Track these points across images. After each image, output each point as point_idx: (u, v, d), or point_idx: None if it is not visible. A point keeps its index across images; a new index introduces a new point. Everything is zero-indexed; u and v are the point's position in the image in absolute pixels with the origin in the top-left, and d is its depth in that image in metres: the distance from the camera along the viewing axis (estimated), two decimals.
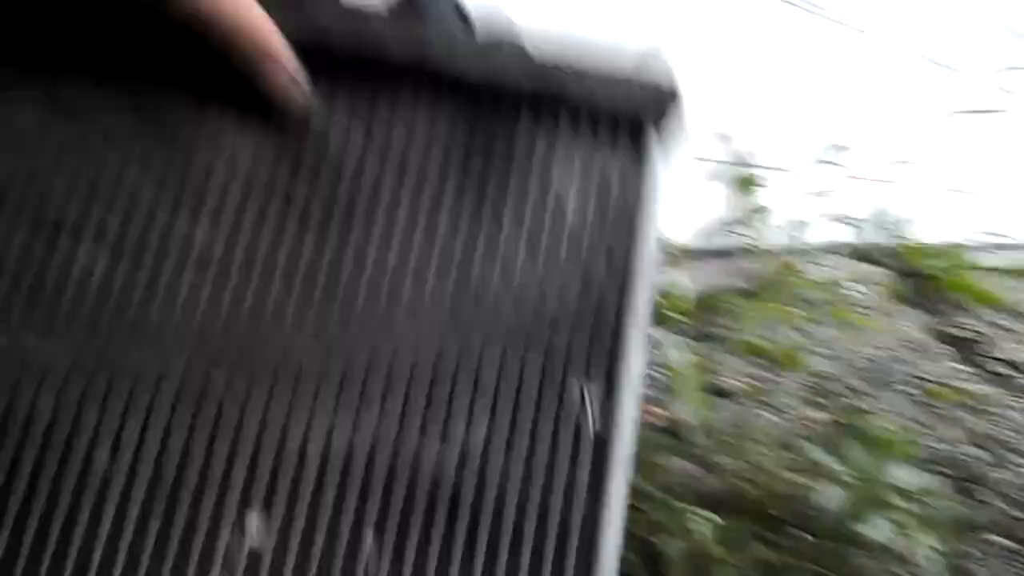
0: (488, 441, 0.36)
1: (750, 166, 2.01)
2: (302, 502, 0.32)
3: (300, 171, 0.34)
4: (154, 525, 0.30)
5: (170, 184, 0.33)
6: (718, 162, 1.97)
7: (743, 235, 2.04)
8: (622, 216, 0.37)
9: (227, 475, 0.31)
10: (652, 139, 0.38)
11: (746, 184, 2.01)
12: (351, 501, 0.32)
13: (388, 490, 0.33)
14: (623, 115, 0.36)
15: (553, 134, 0.36)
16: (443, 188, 0.35)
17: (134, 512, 0.30)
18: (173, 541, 0.30)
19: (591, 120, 0.36)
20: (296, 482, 0.32)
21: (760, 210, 2.03)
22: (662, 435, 1.14)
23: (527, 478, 0.37)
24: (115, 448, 0.30)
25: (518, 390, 0.36)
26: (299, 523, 0.31)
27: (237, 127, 0.34)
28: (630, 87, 0.36)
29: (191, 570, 0.30)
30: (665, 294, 1.52)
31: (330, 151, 0.35)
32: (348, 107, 0.35)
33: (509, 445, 0.36)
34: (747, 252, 2.04)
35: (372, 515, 0.32)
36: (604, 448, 0.40)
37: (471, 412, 0.35)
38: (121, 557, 0.29)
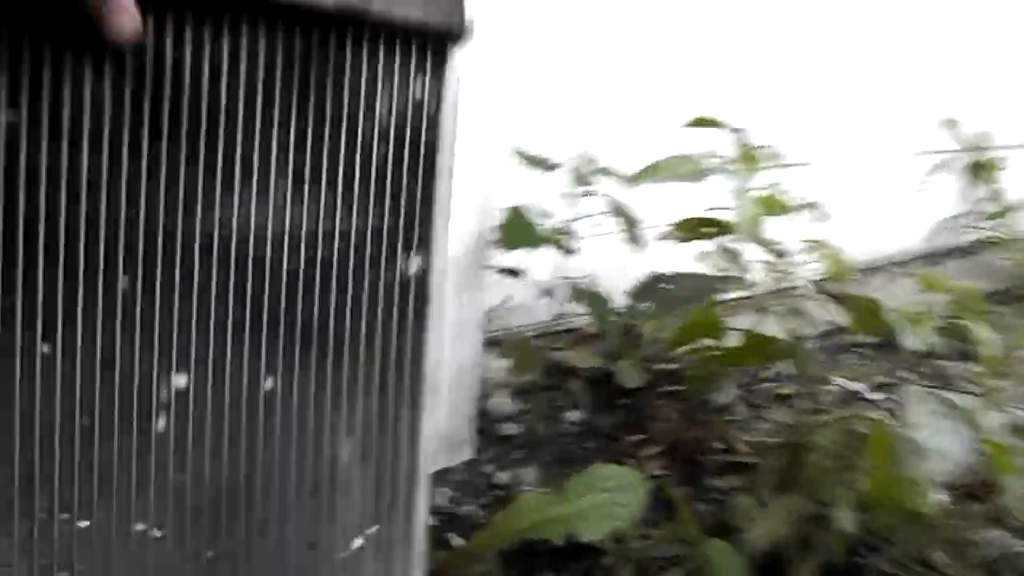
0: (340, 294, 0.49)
1: (986, 149, 1.78)
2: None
3: (143, 94, 0.41)
4: None
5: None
6: (945, 152, 1.79)
7: (984, 228, 1.80)
8: (425, 116, 0.49)
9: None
10: (448, 49, 0.50)
11: (984, 169, 1.78)
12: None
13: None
14: (421, 30, 0.48)
15: (364, 51, 0.49)
16: (273, 105, 0.48)
17: None
18: None
19: (392, 38, 0.49)
20: None
21: (1003, 197, 1.78)
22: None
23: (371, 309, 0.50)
24: None
25: (357, 250, 0.49)
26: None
27: (76, 58, 0.39)
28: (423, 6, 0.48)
29: None
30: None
31: (171, 75, 0.41)
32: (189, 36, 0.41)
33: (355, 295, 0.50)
34: (992, 246, 1.79)
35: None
36: (421, 289, 0.52)
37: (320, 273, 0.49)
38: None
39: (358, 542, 0.54)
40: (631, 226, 1.08)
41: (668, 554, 0.84)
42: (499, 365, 1.19)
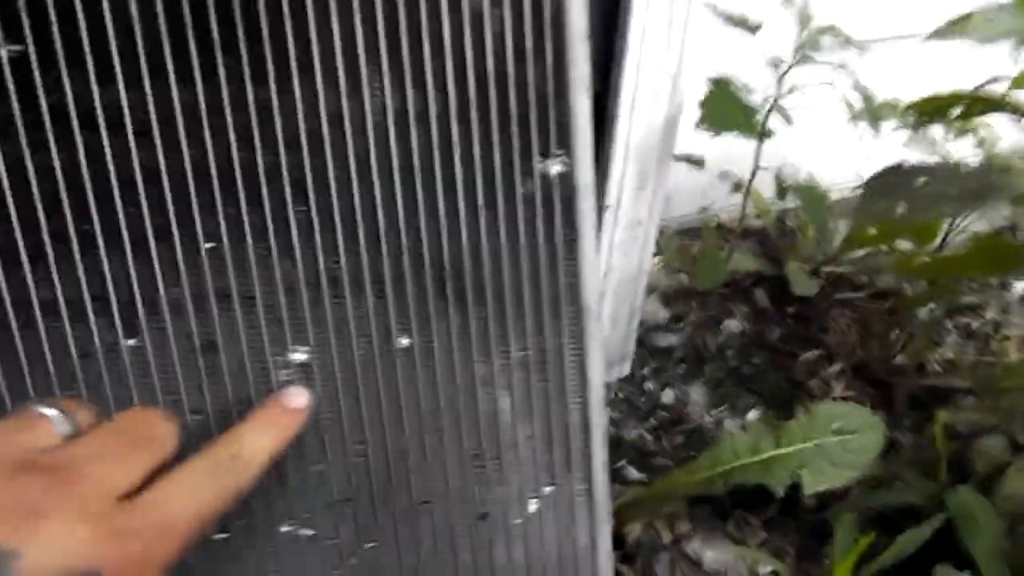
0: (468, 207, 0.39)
1: None
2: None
3: None
4: None
5: None
6: None
7: None
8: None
9: None
10: None
11: None
12: None
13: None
14: None
15: None
16: None
17: None
18: None
19: None
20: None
21: None
22: None
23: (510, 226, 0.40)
24: None
25: (482, 160, 0.38)
26: None
27: None
28: None
29: None
30: None
31: None
32: None
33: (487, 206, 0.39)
34: None
35: None
36: (569, 198, 0.40)
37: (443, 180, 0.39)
38: None
39: (534, 505, 0.46)
40: (868, 103, 0.84)
41: (901, 504, 0.71)
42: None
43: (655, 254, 1.11)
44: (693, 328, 0.96)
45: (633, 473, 0.74)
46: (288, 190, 0.36)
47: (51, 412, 0.28)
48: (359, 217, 0.37)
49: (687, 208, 1.19)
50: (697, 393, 0.87)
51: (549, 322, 0.42)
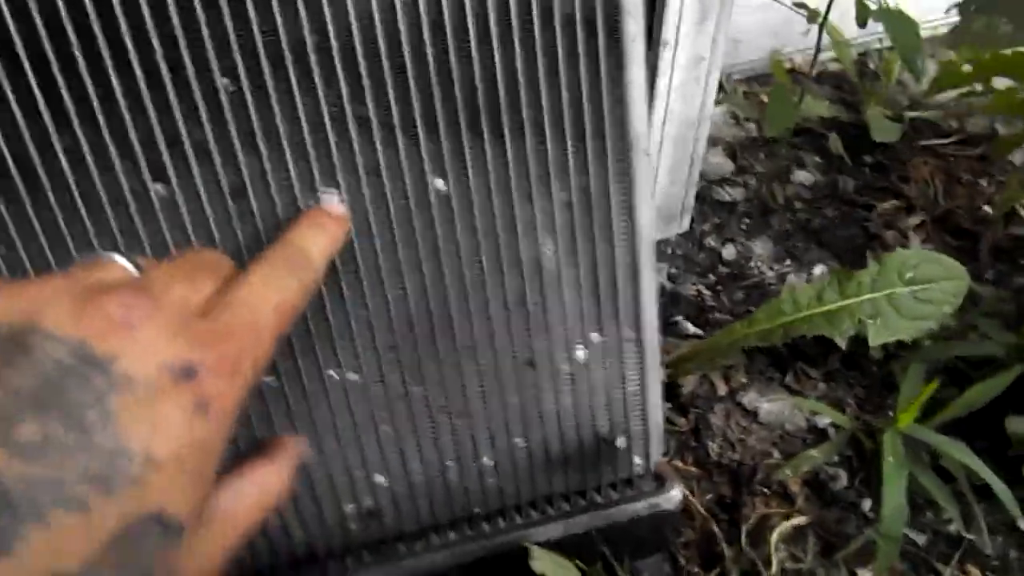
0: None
1: None
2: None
3: None
4: None
5: None
6: None
7: None
8: None
9: None
10: None
11: None
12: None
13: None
14: None
15: None
16: None
17: None
18: None
19: None
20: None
21: None
22: None
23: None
24: None
25: None
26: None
27: None
28: None
29: None
30: None
31: None
32: None
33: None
34: None
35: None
36: (612, 20, 0.36)
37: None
38: None
39: (581, 353, 0.45)
40: None
41: (976, 356, 0.67)
42: (715, 114, 1.00)
43: (719, 102, 1.04)
44: (759, 180, 0.91)
45: (689, 327, 0.73)
46: (305, 20, 0.33)
47: (116, 256, 0.28)
48: (382, 46, 0.34)
49: (756, 53, 1.11)
50: (761, 248, 0.83)
51: (594, 160, 0.39)
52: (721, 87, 1.06)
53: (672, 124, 0.71)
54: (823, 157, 0.97)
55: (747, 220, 0.88)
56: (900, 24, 0.69)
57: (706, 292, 0.79)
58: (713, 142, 0.97)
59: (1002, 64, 0.83)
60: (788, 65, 1.13)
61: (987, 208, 0.90)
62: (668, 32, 0.63)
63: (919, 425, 0.57)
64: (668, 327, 0.74)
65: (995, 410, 0.62)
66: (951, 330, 0.71)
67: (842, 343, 0.57)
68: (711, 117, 0.93)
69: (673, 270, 0.81)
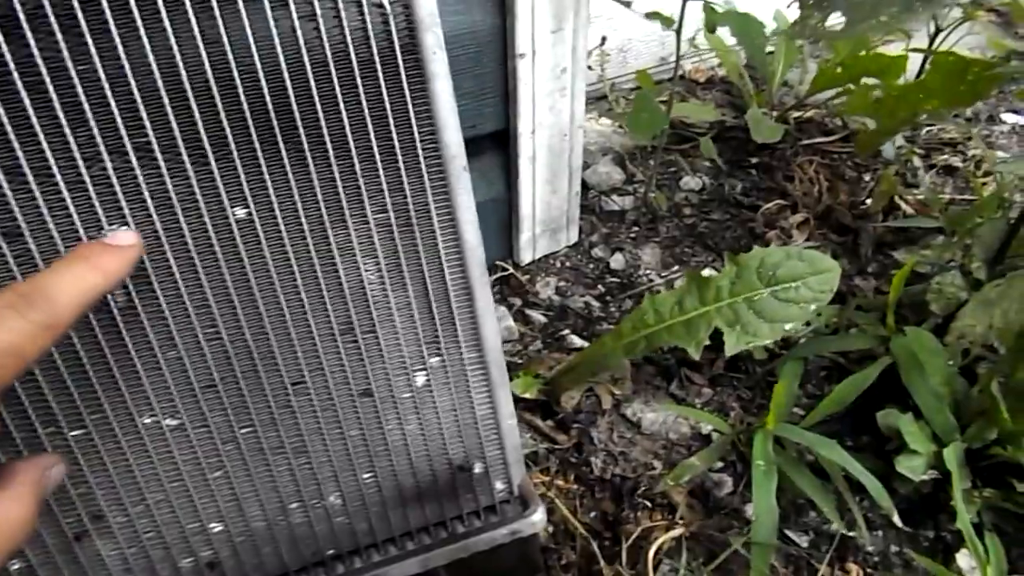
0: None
1: None
2: None
3: None
4: None
5: None
6: None
7: None
8: None
9: None
10: None
11: None
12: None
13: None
14: None
15: None
16: None
17: None
18: None
19: None
20: None
21: None
22: None
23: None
24: None
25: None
26: None
27: None
28: None
29: None
30: None
31: None
32: None
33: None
34: None
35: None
36: (411, 30, 0.35)
37: None
38: None
39: (421, 378, 0.43)
40: None
41: (851, 350, 0.67)
42: (600, 125, 1.00)
43: (604, 112, 1.04)
44: (647, 188, 0.91)
45: (576, 340, 0.71)
46: (61, 40, 0.31)
47: None
48: (155, 67, 0.32)
49: (644, 62, 1.12)
50: (649, 255, 0.83)
51: (408, 177, 0.38)
52: (606, 97, 1.06)
53: (543, 135, 0.70)
54: (711, 162, 0.98)
55: (636, 228, 0.88)
56: (745, 25, 0.69)
57: (595, 303, 0.78)
58: (603, 152, 0.97)
59: (865, 65, 0.85)
60: (680, 72, 1.14)
61: (868, 202, 0.92)
62: (523, 43, 0.62)
63: (789, 425, 0.57)
64: (555, 342, 0.73)
65: (876, 405, 0.62)
66: (833, 325, 0.72)
67: (696, 354, 0.56)
68: (599, 127, 0.92)
69: (561, 283, 0.80)
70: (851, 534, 0.57)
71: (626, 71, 1.10)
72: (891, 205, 0.91)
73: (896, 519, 0.55)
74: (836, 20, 0.59)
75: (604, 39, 1.03)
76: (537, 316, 0.76)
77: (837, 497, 0.58)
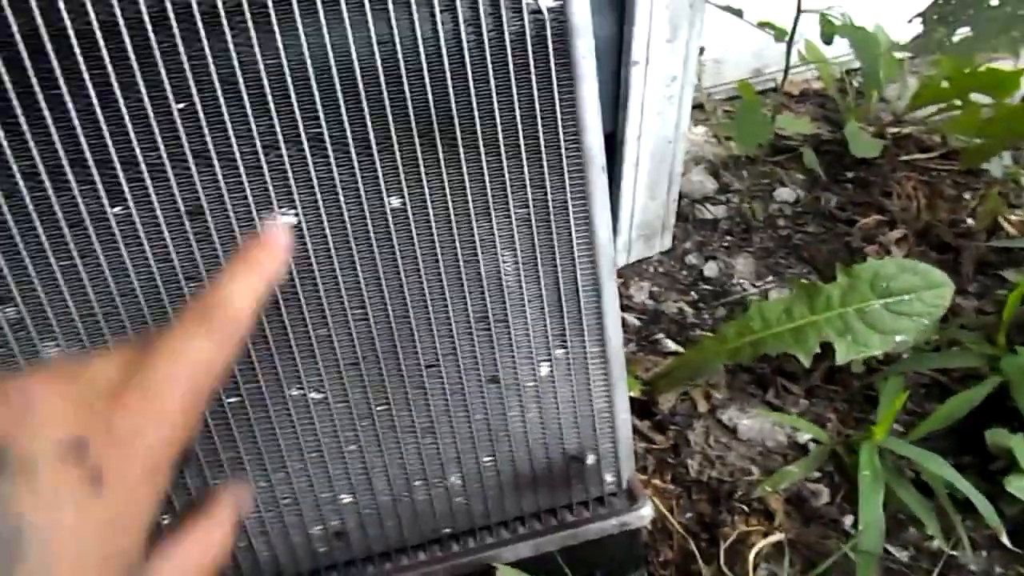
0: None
1: None
2: None
3: None
4: None
5: None
6: None
7: None
8: None
9: None
10: None
11: None
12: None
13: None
14: None
15: None
16: None
17: None
18: None
19: None
20: None
21: None
22: None
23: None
24: None
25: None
26: None
27: None
28: None
29: None
30: None
31: None
32: None
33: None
34: None
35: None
36: (563, 35, 0.37)
37: None
38: None
39: (545, 368, 0.45)
40: None
41: (954, 368, 0.66)
42: (693, 134, 1.01)
43: (701, 121, 1.05)
44: (741, 198, 0.91)
45: (670, 345, 0.72)
46: (255, 36, 0.34)
47: None
48: (333, 64, 0.35)
49: (740, 73, 1.12)
50: (743, 265, 0.83)
51: (550, 175, 0.40)
52: (702, 107, 1.07)
53: (648, 141, 0.72)
54: (805, 174, 0.98)
55: (729, 237, 0.88)
56: (862, 39, 0.69)
57: (688, 309, 0.79)
58: (696, 161, 0.98)
59: (976, 80, 0.84)
60: (772, 85, 1.13)
61: (970, 221, 0.90)
62: (638, 51, 0.63)
63: (896, 439, 0.57)
64: (649, 345, 0.74)
65: (981, 424, 0.61)
66: (934, 343, 0.71)
67: (807, 361, 0.56)
68: (693, 136, 0.93)
69: (655, 288, 0.81)
70: (954, 552, 0.57)
71: (719, 81, 1.11)
72: (994, 225, 0.89)
73: (1004, 538, 0.54)
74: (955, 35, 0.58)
75: (703, 49, 1.03)
76: (631, 319, 0.77)
77: (940, 514, 0.57)
